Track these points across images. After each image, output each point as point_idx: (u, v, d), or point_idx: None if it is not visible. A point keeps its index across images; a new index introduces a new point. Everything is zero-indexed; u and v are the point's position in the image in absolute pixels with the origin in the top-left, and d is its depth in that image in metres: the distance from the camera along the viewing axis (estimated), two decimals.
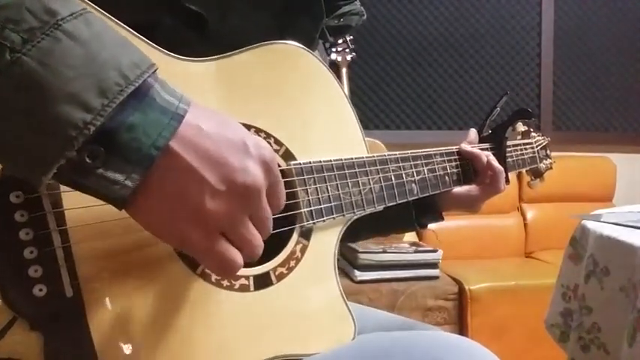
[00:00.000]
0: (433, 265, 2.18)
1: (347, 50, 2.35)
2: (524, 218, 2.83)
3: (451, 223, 2.50)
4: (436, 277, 2.18)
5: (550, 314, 1.40)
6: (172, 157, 0.40)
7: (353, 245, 2.13)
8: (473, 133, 0.93)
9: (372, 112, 2.79)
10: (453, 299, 2.14)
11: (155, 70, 0.41)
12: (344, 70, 2.36)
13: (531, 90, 2.99)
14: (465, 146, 0.87)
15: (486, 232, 2.70)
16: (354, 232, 0.89)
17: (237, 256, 0.44)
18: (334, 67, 2.32)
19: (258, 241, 0.46)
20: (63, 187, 0.45)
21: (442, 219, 0.90)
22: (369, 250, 2.10)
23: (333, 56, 2.35)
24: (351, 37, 2.41)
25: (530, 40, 2.99)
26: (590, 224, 1.30)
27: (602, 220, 1.33)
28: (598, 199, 2.82)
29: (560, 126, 3.03)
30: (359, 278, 2.09)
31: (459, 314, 2.16)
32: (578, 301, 1.25)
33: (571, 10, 3.03)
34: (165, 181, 0.40)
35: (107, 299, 0.48)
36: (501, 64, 2.95)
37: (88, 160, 0.37)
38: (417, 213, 0.87)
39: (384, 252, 2.12)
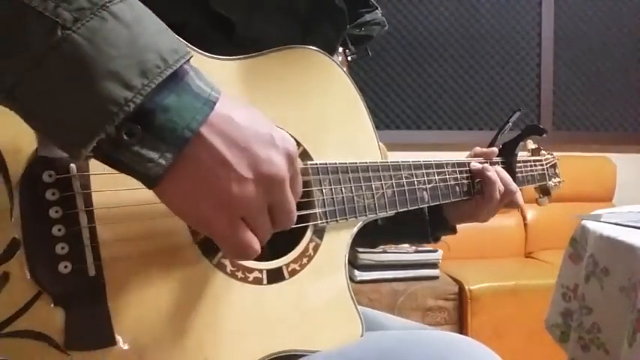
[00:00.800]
0: (433, 265, 2.18)
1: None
2: (524, 218, 2.83)
3: None
4: (436, 277, 2.18)
5: (550, 314, 1.40)
6: (203, 141, 0.42)
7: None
8: (493, 151, 0.92)
9: (372, 112, 2.77)
10: (453, 299, 2.15)
11: (190, 58, 0.42)
12: (344, 70, 2.36)
13: (531, 90, 2.99)
14: (475, 164, 0.86)
15: (486, 232, 2.69)
16: (373, 239, 0.93)
17: (256, 244, 0.45)
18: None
19: (269, 231, 0.47)
20: (92, 169, 0.47)
21: (455, 232, 0.92)
22: (369, 250, 2.10)
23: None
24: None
25: (530, 40, 2.98)
26: (590, 224, 1.30)
27: (602, 220, 1.33)
28: (598, 199, 2.82)
29: (560, 126, 3.03)
30: (359, 278, 2.09)
31: (459, 314, 2.16)
32: (578, 301, 1.25)
33: (571, 10, 3.03)
34: (195, 164, 0.42)
35: (127, 281, 0.49)
36: (501, 64, 2.95)
37: (125, 136, 0.39)
38: (431, 228, 0.90)
39: (384, 252, 2.12)
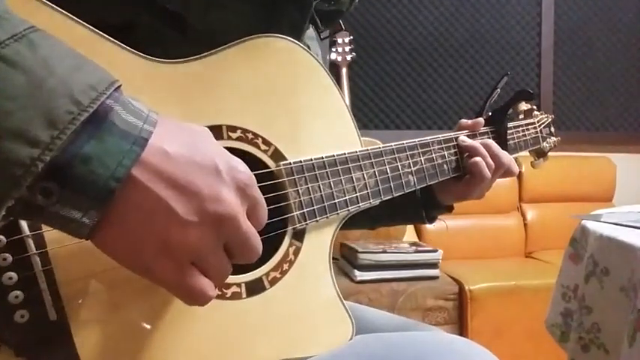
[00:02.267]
0: (433, 265, 2.18)
1: (347, 49, 2.34)
2: (524, 218, 2.83)
3: (451, 223, 2.50)
4: (436, 277, 2.18)
5: (550, 314, 1.40)
6: (135, 187, 0.37)
7: (353, 245, 2.14)
8: (478, 122, 0.88)
9: (371, 112, 2.79)
10: (453, 299, 2.14)
11: (117, 88, 0.37)
12: (344, 70, 2.36)
13: (531, 90, 2.99)
14: (464, 139, 0.82)
15: (486, 232, 2.70)
16: (371, 222, 0.89)
17: (209, 287, 0.42)
18: (334, 67, 2.31)
19: (227, 269, 0.43)
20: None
21: (452, 210, 0.88)
22: (369, 250, 2.10)
23: (333, 56, 2.34)
24: (351, 37, 2.41)
25: (530, 40, 2.99)
26: (590, 224, 1.30)
27: (602, 220, 1.33)
28: (598, 199, 2.82)
29: (560, 126, 3.02)
30: (359, 278, 2.09)
31: (459, 314, 2.16)
32: (578, 301, 1.24)
33: (571, 10, 3.03)
34: (129, 214, 0.37)
35: (93, 318, 0.46)
36: (501, 64, 2.95)
37: (40, 197, 0.34)
38: (425, 209, 0.86)
39: (384, 252, 2.12)
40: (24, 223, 0.43)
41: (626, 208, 1.66)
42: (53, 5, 0.43)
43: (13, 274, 0.42)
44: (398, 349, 0.62)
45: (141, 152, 0.37)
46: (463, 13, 2.90)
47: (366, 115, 2.77)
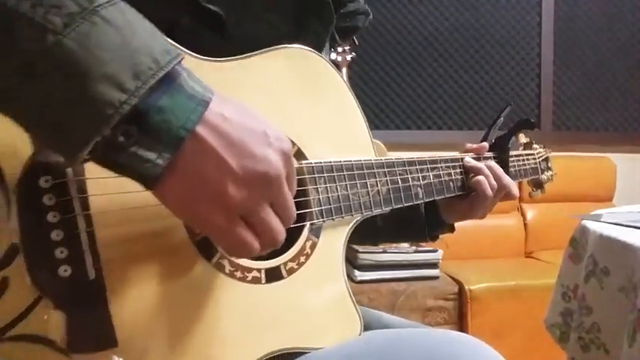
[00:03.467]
0: (433, 265, 2.18)
1: (347, 49, 2.34)
2: (524, 218, 2.83)
3: None
4: (436, 277, 2.18)
5: (550, 314, 1.40)
6: (198, 141, 0.42)
7: (353, 245, 2.14)
8: (483, 146, 0.93)
9: (372, 112, 2.78)
10: (453, 299, 2.14)
11: (182, 59, 0.43)
12: (344, 70, 2.36)
13: (531, 90, 2.99)
14: (469, 160, 0.87)
15: (486, 232, 2.69)
16: (374, 238, 0.94)
17: (254, 241, 0.46)
18: (337, 70, 2.31)
19: (279, 226, 0.47)
20: (88, 174, 0.48)
21: (453, 230, 0.93)
22: (369, 250, 2.10)
23: (333, 56, 2.34)
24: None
25: (530, 40, 2.98)
26: (590, 224, 1.30)
27: (602, 220, 1.33)
28: (598, 199, 2.83)
29: (560, 126, 3.03)
30: (359, 278, 2.09)
31: (459, 314, 2.16)
32: (578, 301, 1.24)
33: (571, 10, 3.03)
34: (192, 163, 0.42)
35: (127, 283, 0.50)
36: (501, 64, 2.95)
37: (121, 138, 0.39)
38: (429, 227, 0.90)
39: (384, 252, 2.12)
40: (73, 187, 0.47)
41: (626, 208, 1.66)
42: None
43: (61, 232, 0.46)
44: (406, 344, 0.63)
45: (204, 112, 0.42)
46: (463, 13, 2.90)
47: (366, 115, 2.74)
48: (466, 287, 2.16)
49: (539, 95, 2.99)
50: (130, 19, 0.41)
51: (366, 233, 0.77)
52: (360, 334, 0.66)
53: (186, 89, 0.42)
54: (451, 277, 2.24)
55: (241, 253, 0.46)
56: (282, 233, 0.48)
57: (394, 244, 2.20)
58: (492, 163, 0.88)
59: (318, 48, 0.68)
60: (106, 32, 0.39)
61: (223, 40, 0.62)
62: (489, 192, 0.84)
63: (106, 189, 0.48)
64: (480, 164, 0.86)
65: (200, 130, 0.42)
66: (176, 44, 0.53)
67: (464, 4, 2.90)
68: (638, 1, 3.11)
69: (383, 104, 2.81)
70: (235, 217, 0.44)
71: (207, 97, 0.43)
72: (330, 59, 0.74)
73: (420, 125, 2.86)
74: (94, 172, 0.47)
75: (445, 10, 2.87)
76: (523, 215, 2.84)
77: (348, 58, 2.38)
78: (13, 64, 0.37)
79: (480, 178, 0.84)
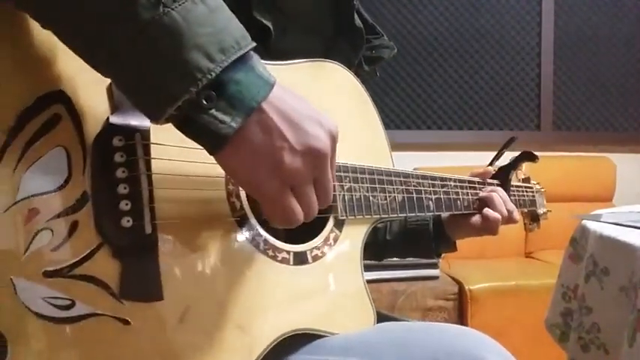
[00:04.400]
0: (433, 265, 2.18)
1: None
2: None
3: None
4: (436, 277, 2.18)
5: (550, 314, 1.40)
6: (264, 114, 0.48)
7: None
8: (487, 171, 1.02)
9: None
10: (453, 299, 2.14)
11: (253, 47, 0.48)
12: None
13: (531, 90, 2.99)
14: (484, 194, 0.95)
15: None
16: (380, 253, 1.01)
17: (299, 212, 0.51)
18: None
19: (315, 203, 0.52)
20: (153, 139, 0.53)
21: (455, 249, 1.00)
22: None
23: None
24: None
25: (530, 40, 2.98)
26: (590, 224, 1.30)
27: (602, 220, 1.33)
28: (598, 199, 2.82)
29: (560, 126, 3.03)
30: None
31: (459, 314, 2.16)
32: (578, 301, 1.25)
33: (571, 10, 3.02)
34: (256, 132, 0.48)
35: (176, 243, 0.55)
36: (501, 64, 2.95)
37: (204, 101, 0.45)
38: (435, 245, 0.97)
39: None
40: (140, 149, 0.52)
41: (626, 208, 1.66)
42: None
43: (127, 186, 0.51)
44: (420, 335, 0.68)
45: (270, 90, 0.48)
46: (463, 13, 2.90)
47: None
48: (466, 287, 2.16)
49: (539, 95, 2.99)
50: (220, 5, 0.47)
51: (374, 248, 0.84)
52: (374, 325, 0.72)
53: (257, 70, 0.48)
54: (451, 277, 2.24)
55: (287, 220, 0.51)
56: (316, 210, 0.53)
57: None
58: (506, 197, 0.96)
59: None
60: (203, 11, 0.45)
61: (266, 53, 0.68)
62: (497, 230, 0.93)
63: (167, 154, 0.54)
64: (499, 199, 0.94)
65: (265, 105, 0.48)
66: None
67: (464, 5, 2.89)
68: (639, 1, 3.11)
69: (383, 104, 2.81)
70: (287, 186, 0.50)
71: (272, 80, 0.49)
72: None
73: (419, 125, 2.86)
74: (159, 139, 0.53)
75: (445, 10, 2.87)
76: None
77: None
78: (131, 24, 0.43)
79: (498, 217, 0.92)
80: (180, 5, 0.44)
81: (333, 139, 0.52)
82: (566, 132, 3.03)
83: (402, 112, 2.84)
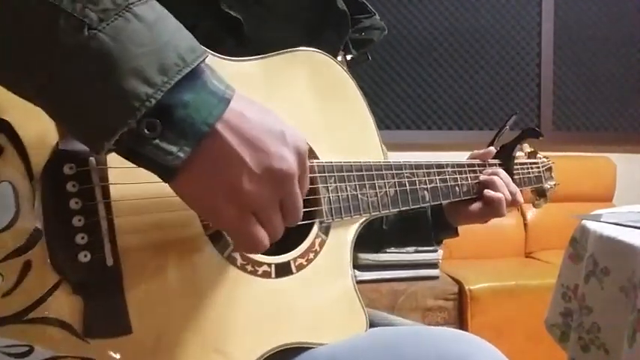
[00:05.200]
0: (433, 265, 2.18)
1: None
2: (524, 218, 2.83)
3: None
4: (436, 277, 2.18)
5: (550, 314, 1.40)
6: (217, 137, 0.43)
7: (357, 252, 2.13)
8: (490, 151, 0.95)
9: (372, 112, 2.78)
10: (453, 299, 2.15)
11: (206, 57, 0.44)
12: (347, 72, 2.35)
13: (531, 90, 2.99)
14: (484, 177, 0.89)
15: (486, 232, 2.69)
16: (378, 244, 0.97)
17: (265, 237, 0.47)
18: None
19: (281, 226, 0.49)
20: (110, 163, 0.49)
21: (457, 235, 0.95)
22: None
23: None
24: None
25: (530, 40, 2.98)
26: (590, 224, 1.30)
27: (602, 220, 1.33)
28: (598, 199, 2.82)
29: (560, 126, 3.03)
30: (359, 278, 2.09)
31: (459, 314, 2.16)
32: (578, 301, 1.25)
33: (571, 10, 3.02)
34: (210, 159, 0.43)
35: (143, 271, 0.51)
36: (501, 64, 2.95)
37: (146, 130, 0.41)
38: (434, 231, 0.92)
39: (384, 252, 2.12)
40: (95, 175, 0.49)
41: (626, 208, 1.66)
42: None
43: (82, 218, 0.48)
44: (411, 340, 0.64)
45: (225, 108, 0.44)
46: (463, 13, 2.90)
47: None
48: (466, 287, 2.16)
49: (539, 95, 2.99)
50: (160, 17, 0.42)
51: (370, 238, 0.79)
52: (366, 330, 0.68)
53: (210, 86, 0.43)
54: (451, 277, 2.24)
55: (252, 248, 0.48)
56: (281, 232, 0.49)
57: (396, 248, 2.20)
58: (500, 170, 0.91)
59: (332, 55, 0.70)
60: (138, 28, 0.40)
61: (241, 45, 0.65)
62: (504, 212, 0.87)
63: (127, 179, 0.49)
64: (500, 181, 0.88)
65: (220, 126, 0.43)
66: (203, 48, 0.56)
67: (464, 4, 2.89)
68: (638, 1, 3.11)
69: (383, 104, 2.81)
70: (248, 213, 0.46)
71: (229, 95, 0.44)
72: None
73: (419, 125, 2.86)
74: (115, 162, 0.48)
75: (445, 10, 2.87)
76: (523, 215, 2.83)
77: (348, 57, 2.39)
78: (54, 54, 0.39)
79: (500, 196, 0.86)
80: (108, 25, 0.40)
81: (301, 156, 0.48)
82: (566, 132, 3.03)
83: (402, 112, 2.84)
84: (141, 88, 0.40)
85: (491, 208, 0.88)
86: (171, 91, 0.41)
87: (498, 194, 0.86)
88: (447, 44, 2.88)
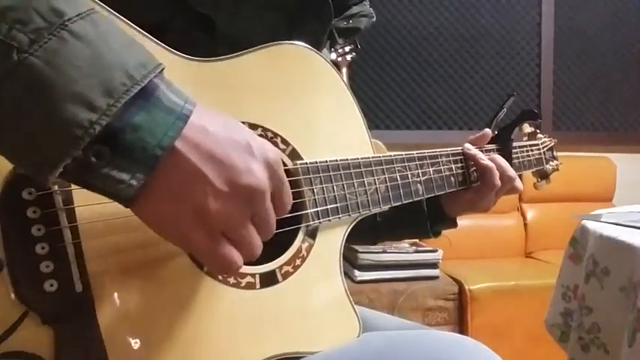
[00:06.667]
0: (433, 265, 2.18)
1: (347, 50, 2.35)
2: (524, 218, 2.83)
3: None
4: (436, 277, 2.18)
5: (550, 314, 1.40)
6: (177, 157, 0.40)
7: (353, 245, 2.14)
8: (486, 133, 0.92)
9: (371, 112, 2.78)
10: (453, 299, 2.14)
11: (161, 71, 0.41)
12: (344, 70, 2.36)
13: (531, 90, 2.99)
14: (469, 148, 0.85)
15: (486, 232, 2.70)
16: (373, 237, 0.93)
17: (238, 258, 0.44)
18: (334, 67, 2.31)
19: (257, 242, 0.46)
20: (74, 185, 0.46)
21: (456, 225, 0.90)
22: (369, 250, 2.10)
23: (333, 56, 2.34)
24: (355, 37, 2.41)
25: (530, 40, 2.99)
26: (590, 224, 1.30)
27: (602, 220, 1.33)
28: (598, 199, 2.82)
29: (560, 126, 3.03)
30: (359, 278, 2.09)
31: (459, 314, 2.16)
32: (578, 301, 1.25)
33: (571, 10, 3.03)
34: (170, 181, 0.40)
35: (116, 295, 0.48)
36: (501, 64, 2.95)
37: (93, 159, 0.38)
38: (431, 222, 0.88)
39: (384, 252, 2.12)
40: (59, 198, 0.45)
41: (626, 208, 1.66)
42: (102, 3, 0.46)
43: (46, 245, 0.45)
44: (404, 347, 0.62)
45: (183, 126, 0.40)
46: (463, 13, 2.90)
47: (366, 115, 2.72)
48: (466, 287, 2.16)
49: (539, 95, 2.99)
50: (104, 32, 0.39)
51: (365, 232, 0.75)
52: (358, 335, 0.65)
53: (165, 103, 0.40)
54: (451, 277, 2.24)
55: (225, 271, 0.45)
56: (259, 248, 0.46)
57: (394, 244, 2.20)
58: (496, 155, 0.87)
59: (316, 47, 0.66)
60: (76, 48, 0.37)
61: (215, 41, 0.61)
62: (497, 180, 0.82)
63: (93, 199, 0.45)
64: (482, 155, 0.84)
65: (179, 145, 0.40)
66: (167, 47, 0.52)
67: (464, 5, 2.89)
68: (638, 1, 3.11)
69: (383, 104, 2.81)
70: (217, 235, 0.43)
71: (188, 110, 0.41)
72: (330, 58, 0.72)
73: (419, 125, 2.86)
74: None
75: (445, 10, 2.87)
76: (523, 215, 2.84)
77: (349, 58, 2.39)
78: None
79: (490, 165, 0.82)
80: (41, 47, 0.36)
81: (272, 169, 0.45)
82: (566, 132, 3.03)
83: (402, 112, 2.84)
84: (83, 115, 0.36)
85: (489, 197, 0.84)
86: (119, 114, 0.38)
87: (495, 181, 0.82)
88: (447, 44, 2.88)
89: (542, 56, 2.99)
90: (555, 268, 1.47)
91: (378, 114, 2.80)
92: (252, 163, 0.43)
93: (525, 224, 2.82)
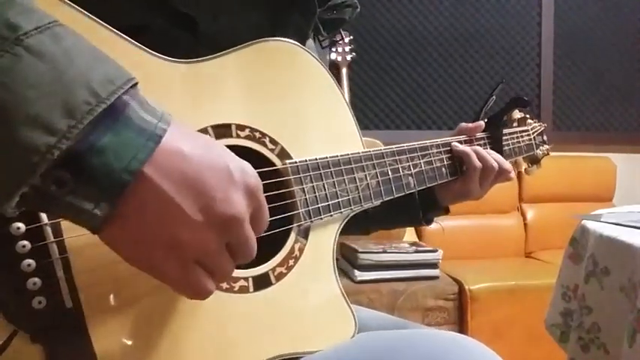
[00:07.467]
0: (433, 265, 2.18)
1: (347, 49, 2.34)
2: (524, 218, 2.83)
3: (451, 223, 2.50)
4: (436, 277, 2.18)
5: (550, 314, 1.40)
6: (147, 184, 0.37)
7: (353, 245, 2.14)
8: (479, 125, 0.92)
9: (371, 112, 2.78)
10: (453, 299, 2.14)
11: (134, 85, 0.38)
12: (344, 70, 2.36)
13: (531, 90, 2.99)
14: (456, 145, 0.86)
15: (486, 232, 2.70)
16: (365, 226, 0.92)
17: (210, 285, 0.42)
18: (334, 67, 2.31)
19: (230, 268, 0.44)
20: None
21: (448, 212, 0.90)
22: (369, 250, 2.10)
23: (333, 56, 2.34)
24: (351, 37, 2.41)
25: (530, 40, 2.99)
26: (590, 224, 1.30)
27: (602, 220, 1.33)
28: (598, 199, 2.82)
29: (560, 126, 3.03)
30: (359, 278, 2.08)
31: (459, 314, 2.16)
32: (578, 301, 1.25)
33: (571, 10, 3.03)
34: (139, 210, 0.37)
35: (107, 308, 0.47)
36: (501, 64, 2.95)
37: (53, 187, 0.34)
38: (423, 210, 0.88)
39: (384, 252, 2.11)
40: (42, 214, 0.44)
41: (626, 208, 1.66)
42: (74, 5, 0.45)
43: (32, 262, 0.43)
44: (402, 347, 0.62)
45: (155, 147, 0.37)
46: (463, 13, 2.90)
47: (366, 115, 2.77)
48: (466, 287, 2.16)
49: (539, 95, 2.99)
50: (67, 47, 0.35)
51: (357, 222, 0.75)
52: (354, 334, 0.65)
53: (136, 122, 0.36)
54: (451, 277, 2.24)
55: (196, 297, 0.43)
56: (230, 273, 0.44)
57: (394, 244, 2.20)
58: (489, 150, 0.88)
59: (301, 41, 0.65)
60: (33, 65, 0.33)
61: (198, 41, 0.60)
62: (477, 163, 0.83)
63: None
64: (466, 147, 0.86)
65: (149, 170, 0.37)
66: (148, 50, 0.51)
67: (464, 5, 2.90)
68: (638, 1, 3.11)
69: (382, 104, 2.81)
70: (190, 264, 0.40)
71: (161, 130, 0.37)
72: (315, 52, 0.72)
73: (419, 125, 2.86)
74: None
75: (445, 10, 2.88)
76: (523, 215, 2.84)
77: (348, 58, 2.39)
78: None
79: (466, 149, 0.84)
80: None
81: (252, 194, 0.42)
82: (566, 132, 3.03)
83: (402, 112, 2.84)
84: (40, 139, 0.33)
85: (475, 182, 0.84)
86: (82, 136, 0.34)
87: (475, 163, 0.83)
88: (446, 44, 2.88)
89: (542, 56, 2.99)
90: (555, 268, 1.47)
91: (378, 114, 2.80)
92: (231, 191, 0.40)
93: (525, 224, 2.82)
